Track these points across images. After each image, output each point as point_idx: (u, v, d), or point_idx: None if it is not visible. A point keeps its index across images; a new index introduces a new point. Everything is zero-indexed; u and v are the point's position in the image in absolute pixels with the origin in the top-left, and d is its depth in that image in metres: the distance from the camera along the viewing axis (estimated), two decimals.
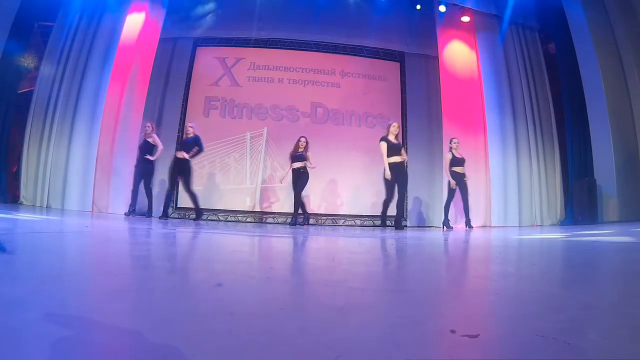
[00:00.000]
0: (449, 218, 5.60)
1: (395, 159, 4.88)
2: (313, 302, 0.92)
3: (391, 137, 4.96)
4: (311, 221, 6.85)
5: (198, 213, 5.62)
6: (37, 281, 0.94)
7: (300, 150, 5.80)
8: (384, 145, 4.87)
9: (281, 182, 6.15)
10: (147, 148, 5.71)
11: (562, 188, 6.67)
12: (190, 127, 5.74)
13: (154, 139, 5.76)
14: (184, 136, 5.79)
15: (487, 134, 6.55)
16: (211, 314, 0.74)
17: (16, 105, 6.34)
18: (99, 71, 6.30)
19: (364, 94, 7.39)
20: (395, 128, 5.02)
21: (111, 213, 5.81)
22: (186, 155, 5.45)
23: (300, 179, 5.69)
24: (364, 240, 3.17)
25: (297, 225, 5.55)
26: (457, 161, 5.54)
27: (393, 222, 5.23)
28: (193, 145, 5.56)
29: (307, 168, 5.74)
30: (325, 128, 7.19)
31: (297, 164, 5.72)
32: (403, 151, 5.03)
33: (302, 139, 5.83)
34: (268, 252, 2.29)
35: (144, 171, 5.63)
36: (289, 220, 6.78)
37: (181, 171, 5.50)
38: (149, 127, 5.84)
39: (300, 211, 5.72)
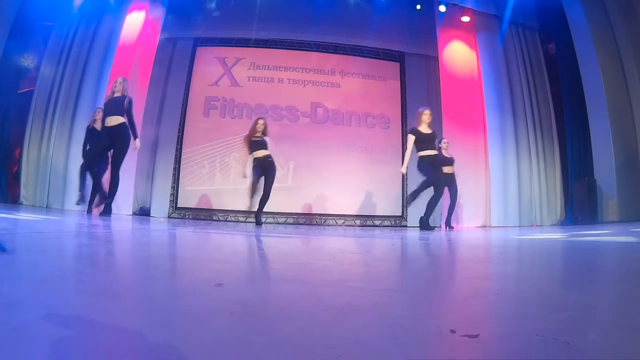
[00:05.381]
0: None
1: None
2: (313, 302, 0.92)
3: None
4: (311, 221, 6.87)
5: (108, 206, 4.42)
6: (37, 281, 0.94)
7: (258, 134, 5.03)
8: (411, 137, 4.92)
9: (245, 177, 5.24)
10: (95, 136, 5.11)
11: (562, 188, 6.68)
12: (121, 82, 4.30)
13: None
14: (111, 94, 4.37)
15: (487, 134, 6.56)
16: (211, 314, 0.74)
17: (16, 105, 6.34)
18: (99, 71, 6.31)
19: (364, 94, 7.39)
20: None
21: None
22: (124, 120, 4.12)
23: (270, 169, 4.97)
24: (364, 241, 3.17)
25: (259, 225, 4.88)
26: (446, 161, 5.52)
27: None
28: (124, 107, 4.24)
29: (274, 156, 5.04)
30: (325, 128, 7.19)
31: (261, 152, 5.00)
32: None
33: (261, 120, 5.11)
34: (268, 252, 2.29)
35: (94, 162, 4.99)
36: (289, 220, 6.82)
37: (115, 141, 4.16)
38: (99, 112, 5.10)
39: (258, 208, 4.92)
